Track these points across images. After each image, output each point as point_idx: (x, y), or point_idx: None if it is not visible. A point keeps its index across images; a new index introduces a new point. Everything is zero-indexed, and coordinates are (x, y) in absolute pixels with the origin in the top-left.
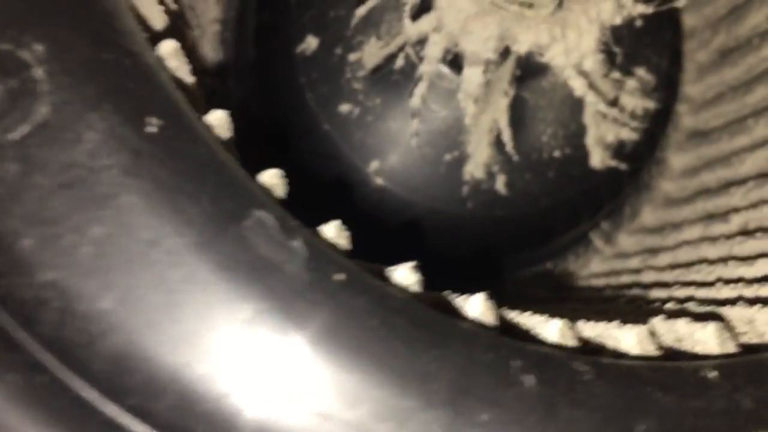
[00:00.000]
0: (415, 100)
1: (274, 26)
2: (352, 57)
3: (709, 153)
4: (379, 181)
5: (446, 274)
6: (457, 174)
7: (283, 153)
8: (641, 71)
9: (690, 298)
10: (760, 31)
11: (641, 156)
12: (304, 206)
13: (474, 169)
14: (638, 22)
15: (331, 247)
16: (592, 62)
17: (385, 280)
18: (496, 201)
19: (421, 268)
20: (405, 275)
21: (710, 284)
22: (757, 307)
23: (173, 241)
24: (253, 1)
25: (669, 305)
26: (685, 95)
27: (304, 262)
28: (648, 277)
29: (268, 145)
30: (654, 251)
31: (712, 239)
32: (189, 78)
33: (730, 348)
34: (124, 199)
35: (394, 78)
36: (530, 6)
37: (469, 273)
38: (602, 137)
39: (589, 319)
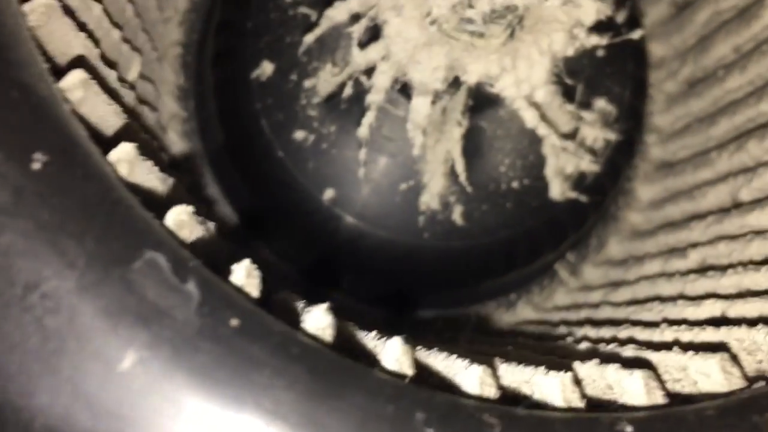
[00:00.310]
0: (363, 130)
1: (231, 51)
2: (307, 83)
3: (674, 185)
4: (334, 209)
5: (403, 304)
6: (413, 204)
7: (243, 180)
8: (602, 102)
9: (631, 340)
10: (726, 62)
11: (604, 188)
12: (259, 234)
13: (429, 199)
14: (599, 52)
15: (234, 289)
16: (544, 94)
17: (297, 323)
18: (453, 232)
19: (377, 299)
20: (318, 317)
21: (656, 325)
22: (690, 354)
23: (53, 285)
24: (212, 26)
25: (608, 347)
26: (654, 126)
27: (196, 307)
28: (603, 313)
29: (229, 171)
30: (616, 285)
31: (669, 275)
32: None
33: (658, 398)
34: (1, 240)
35: (345, 106)
36: (481, 36)
37: (426, 303)
38: (562, 168)
39: (522, 362)
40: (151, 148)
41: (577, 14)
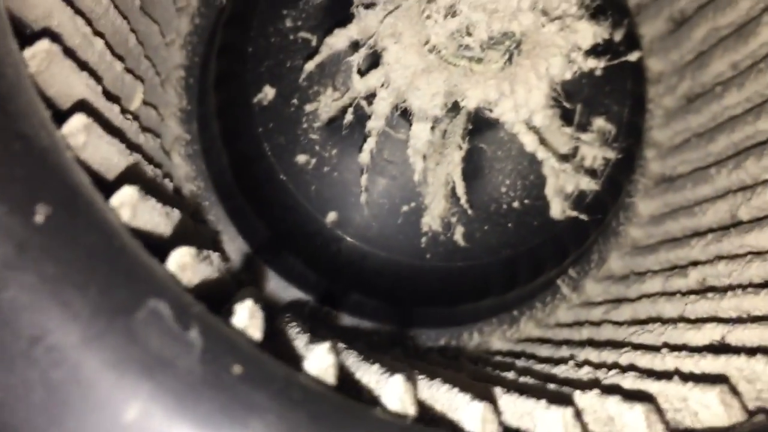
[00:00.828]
0: (364, 156)
1: (232, 75)
2: (309, 108)
3: (674, 200)
4: (336, 231)
5: (407, 322)
6: (415, 225)
7: (247, 202)
8: (600, 121)
9: (632, 367)
10: (724, 79)
11: (604, 205)
12: (265, 257)
13: (431, 220)
14: (597, 72)
15: (237, 334)
16: (542, 118)
17: (299, 364)
18: (455, 252)
19: (382, 317)
20: (320, 357)
21: (656, 349)
22: (690, 384)
23: (57, 338)
24: (215, 48)
25: (609, 374)
26: (653, 140)
27: (199, 355)
28: (605, 332)
29: (234, 193)
30: (617, 302)
31: (670, 295)
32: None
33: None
34: (5, 295)
35: (346, 132)
36: (479, 61)
37: (430, 321)
38: (562, 188)
39: (523, 392)
40: (154, 184)
41: (575, 38)
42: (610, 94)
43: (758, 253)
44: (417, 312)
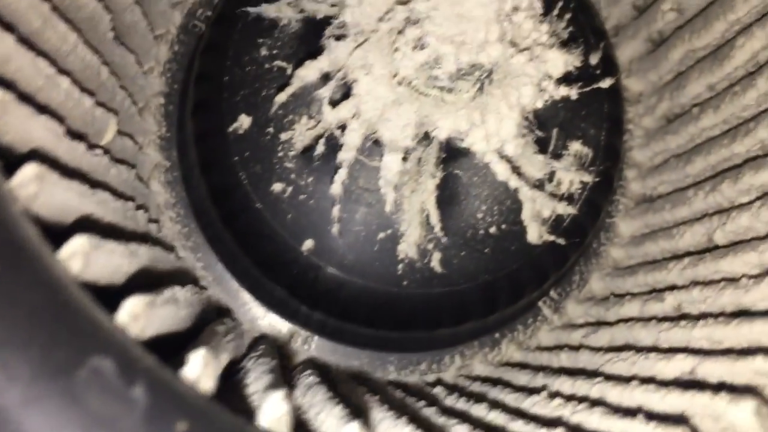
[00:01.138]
0: (336, 188)
1: (209, 103)
2: (284, 136)
3: (654, 221)
4: (313, 259)
5: (386, 348)
6: (392, 252)
7: (226, 229)
8: (577, 145)
9: (601, 401)
10: (700, 100)
11: (583, 228)
12: (244, 284)
13: (407, 248)
14: (573, 96)
15: (185, 388)
16: (515, 146)
17: (252, 414)
18: (432, 279)
19: (360, 343)
20: (275, 406)
21: (627, 381)
22: (653, 425)
23: None
24: (193, 76)
25: (579, 408)
26: (633, 160)
27: (142, 414)
28: (581, 358)
29: (213, 220)
30: (596, 325)
31: (645, 321)
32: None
33: None
34: None
35: (319, 162)
36: (450, 91)
37: (409, 346)
38: (538, 212)
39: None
40: (115, 227)
41: (545, 68)
42: (586, 117)
43: (731, 280)
44: (396, 336)
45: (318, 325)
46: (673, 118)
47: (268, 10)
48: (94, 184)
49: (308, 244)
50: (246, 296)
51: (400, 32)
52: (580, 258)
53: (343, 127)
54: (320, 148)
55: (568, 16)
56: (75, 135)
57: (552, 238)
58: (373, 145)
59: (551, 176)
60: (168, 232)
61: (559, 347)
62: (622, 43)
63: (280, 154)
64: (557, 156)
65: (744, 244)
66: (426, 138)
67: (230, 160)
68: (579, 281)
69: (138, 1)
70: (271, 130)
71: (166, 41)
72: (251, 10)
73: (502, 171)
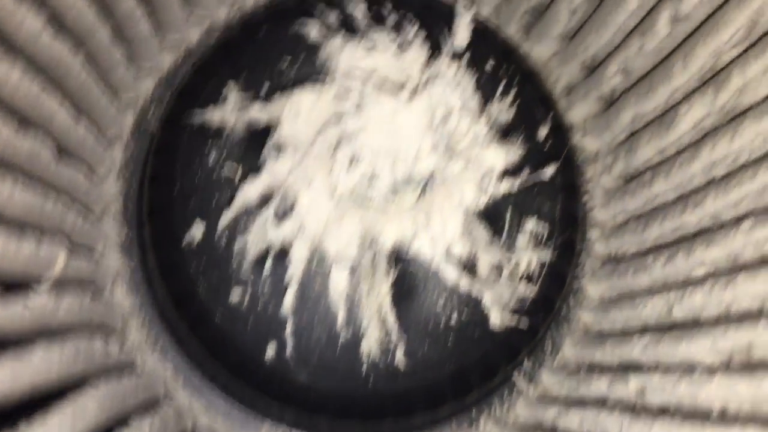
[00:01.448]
0: (287, 303)
1: (163, 208)
2: (237, 246)
3: (619, 285)
4: (276, 366)
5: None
6: (354, 354)
7: (191, 332)
8: (532, 222)
9: None
10: (652, 164)
11: (549, 301)
12: (215, 385)
13: (369, 348)
14: (515, 189)
15: None
16: (462, 246)
17: None
18: (397, 375)
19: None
20: None
21: None
22: None
23: None
24: (146, 178)
25: None
26: (595, 220)
27: None
28: None
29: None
30: (567, 404)
31: (611, 408)
32: None
33: None
34: None
35: (270, 275)
36: (392, 199)
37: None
38: (499, 298)
39: None
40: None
41: (486, 166)
42: (539, 193)
43: (687, 369)
44: (370, 425)
45: (290, 420)
46: (629, 179)
47: (213, 117)
48: (30, 340)
49: (270, 353)
50: (219, 399)
51: (336, 147)
52: (551, 324)
53: (290, 243)
54: (269, 262)
55: (511, 93)
56: (10, 287)
57: (515, 320)
58: (321, 258)
59: (509, 258)
60: (134, 338)
61: (534, 427)
62: (575, 103)
63: (234, 264)
64: (512, 238)
65: (699, 326)
66: (372, 246)
67: (186, 270)
68: (551, 349)
69: (85, 110)
70: (224, 241)
71: (120, 144)
72: (197, 116)
73: (451, 276)
